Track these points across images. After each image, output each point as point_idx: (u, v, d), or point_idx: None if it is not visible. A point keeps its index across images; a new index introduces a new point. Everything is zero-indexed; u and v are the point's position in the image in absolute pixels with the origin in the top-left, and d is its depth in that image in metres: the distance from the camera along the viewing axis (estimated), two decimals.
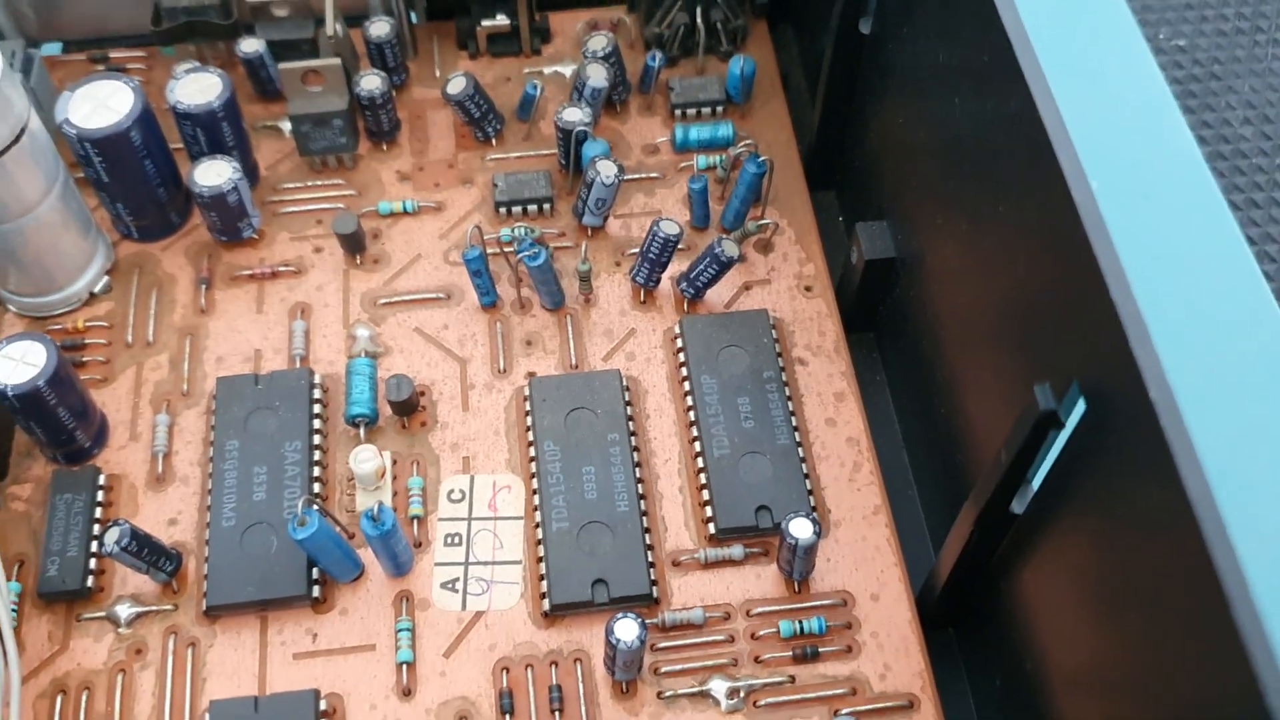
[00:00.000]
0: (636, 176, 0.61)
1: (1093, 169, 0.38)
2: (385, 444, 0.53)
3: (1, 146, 0.49)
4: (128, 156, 0.54)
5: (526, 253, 0.54)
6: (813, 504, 0.50)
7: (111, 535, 0.46)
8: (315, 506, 0.46)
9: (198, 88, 0.56)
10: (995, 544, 0.45)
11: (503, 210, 0.59)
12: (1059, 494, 0.40)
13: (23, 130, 0.50)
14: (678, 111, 0.62)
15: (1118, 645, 0.39)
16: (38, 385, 0.48)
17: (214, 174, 0.55)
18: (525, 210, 0.59)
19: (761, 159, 0.56)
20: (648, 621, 0.46)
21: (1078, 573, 0.40)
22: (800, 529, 0.47)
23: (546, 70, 0.65)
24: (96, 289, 0.56)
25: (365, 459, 0.50)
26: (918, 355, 0.54)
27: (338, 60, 0.58)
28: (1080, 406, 0.38)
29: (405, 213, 0.59)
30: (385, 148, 0.62)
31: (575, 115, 0.58)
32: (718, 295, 0.57)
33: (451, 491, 0.52)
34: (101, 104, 0.53)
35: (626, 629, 0.45)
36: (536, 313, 0.57)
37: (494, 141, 0.62)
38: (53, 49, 0.66)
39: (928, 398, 0.53)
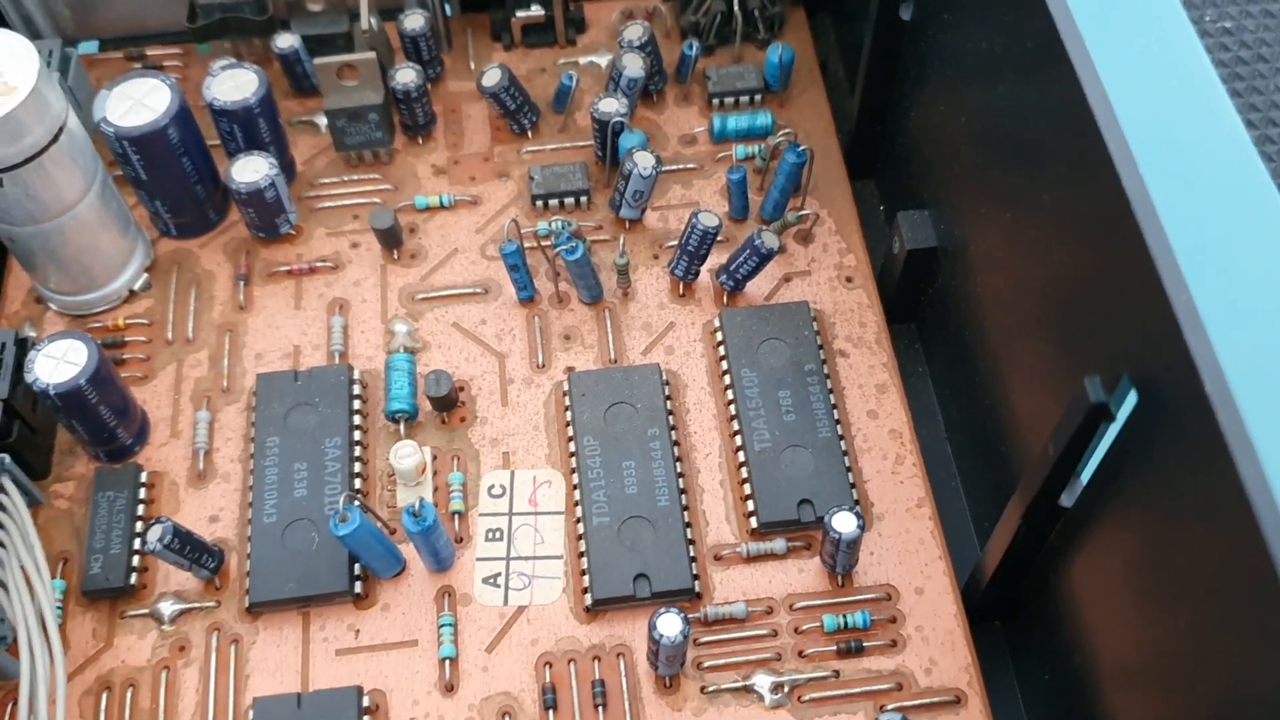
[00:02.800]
0: (674, 168, 0.60)
1: (1141, 155, 0.37)
2: (425, 439, 0.53)
3: (40, 147, 0.49)
4: (165, 154, 0.54)
5: (564, 247, 0.54)
6: (855, 497, 0.50)
7: (154, 533, 0.47)
8: (356, 503, 0.46)
9: (234, 84, 0.56)
10: (1043, 538, 0.45)
11: (539, 204, 0.59)
12: (1109, 487, 0.40)
13: (61, 129, 0.50)
14: (715, 101, 0.62)
15: (1169, 639, 0.38)
16: (79, 384, 0.48)
17: (251, 170, 0.55)
18: (562, 203, 0.59)
19: (801, 148, 0.55)
20: (690, 616, 0.46)
21: (1128, 566, 0.40)
22: (844, 523, 0.46)
23: (582, 61, 0.64)
24: (136, 286, 0.57)
25: (405, 454, 0.50)
26: (961, 346, 0.53)
27: (373, 54, 0.57)
28: (1131, 399, 0.37)
29: (442, 207, 0.59)
30: (420, 141, 0.61)
31: (612, 106, 0.57)
32: (757, 287, 0.56)
33: (492, 487, 0.52)
34: (139, 102, 0.53)
35: (669, 624, 0.44)
36: (574, 307, 0.56)
37: (529, 134, 0.62)
38: (89, 47, 0.66)
39: (972, 389, 0.52)
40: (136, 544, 0.50)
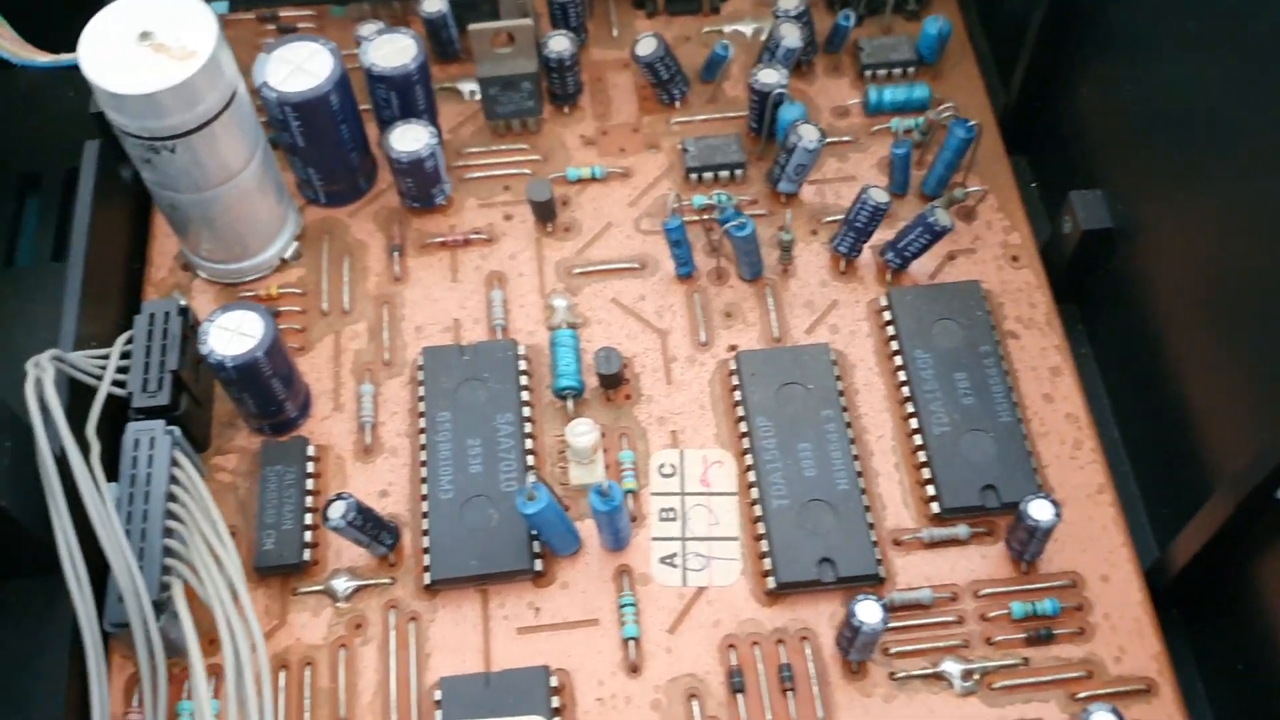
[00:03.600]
0: (828, 141, 0.59)
1: None
2: (591, 417, 0.51)
3: (213, 113, 0.48)
4: (326, 121, 0.53)
5: (733, 222, 0.52)
6: (1039, 483, 0.49)
7: (337, 509, 0.46)
8: (543, 481, 0.45)
9: (391, 49, 0.55)
10: (1249, 530, 0.44)
11: (693, 176, 0.58)
12: None
13: (233, 96, 0.49)
14: (867, 73, 0.61)
15: None
16: (256, 356, 0.47)
17: (411, 139, 0.54)
18: (716, 176, 0.58)
19: (971, 123, 0.54)
20: None
21: None
22: (1041, 510, 0.45)
23: (726, 29, 0.63)
24: (287, 255, 0.56)
25: (582, 432, 0.49)
26: (1139, 331, 0.52)
27: (530, 21, 0.56)
28: None
29: (594, 179, 0.58)
30: (567, 111, 0.60)
31: (772, 77, 0.56)
32: (920, 266, 0.55)
33: (662, 466, 0.51)
34: (299, 67, 0.52)
35: (870, 611, 0.44)
36: (734, 283, 0.55)
37: (678, 104, 0.60)
38: (219, 8, 0.65)
39: (1148, 375, 0.51)
40: (308, 519, 0.49)
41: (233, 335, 0.48)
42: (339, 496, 0.46)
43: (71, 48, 0.58)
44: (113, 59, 0.46)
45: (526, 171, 0.58)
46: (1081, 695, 0.46)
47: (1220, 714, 0.48)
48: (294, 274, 0.56)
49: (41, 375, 0.45)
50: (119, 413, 0.48)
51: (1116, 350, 0.55)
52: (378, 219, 0.57)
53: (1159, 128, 0.50)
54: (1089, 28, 0.54)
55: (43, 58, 0.57)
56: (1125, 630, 0.47)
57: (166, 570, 0.44)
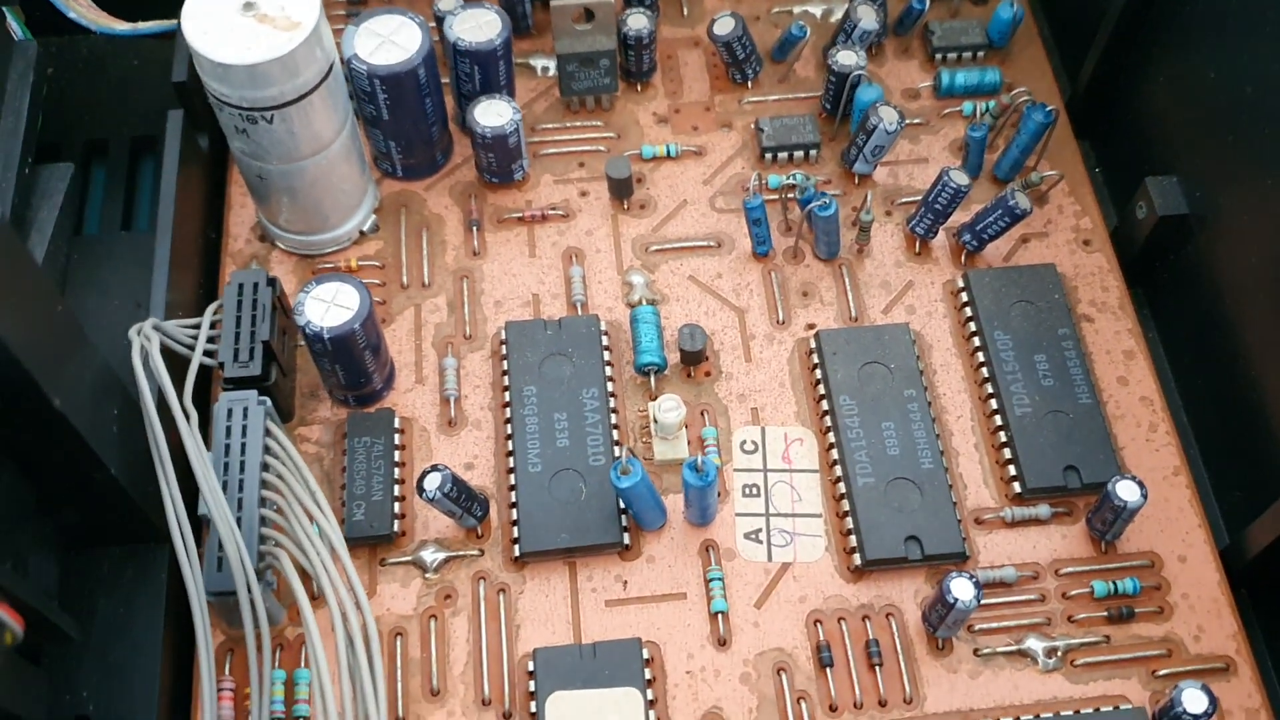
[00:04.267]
0: None
1: None
2: (672, 392, 0.52)
3: (311, 85, 0.48)
4: (411, 94, 0.53)
5: (817, 202, 0.53)
6: (1118, 464, 0.50)
7: (433, 481, 0.46)
8: (637, 456, 0.46)
9: (475, 24, 0.55)
10: None
11: (768, 156, 0.58)
12: None
13: (331, 68, 0.49)
14: (937, 56, 0.61)
15: None
16: (353, 328, 0.48)
17: (494, 114, 0.54)
18: (791, 156, 0.58)
19: (1050, 108, 0.55)
20: None
21: None
22: (1128, 491, 0.46)
23: (795, 10, 0.63)
24: (365, 228, 0.56)
25: (669, 408, 0.50)
26: (1210, 316, 0.53)
27: None
28: None
29: (668, 157, 0.58)
30: (640, 89, 0.60)
31: (850, 59, 0.56)
32: (993, 249, 0.56)
33: (744, 443, 0.51)
34: (387, 40, 0.52)
35: (963, 589, 0.44)
36: (810, 263, 0.56)
37: (750, 84, 0.61)
38: None
39: (1221, 360, 0.52)
40: (396, 490, 0.49)
41: (329, 306, 0.48)
42: (434, 468, 0.46)
43: (143, 16, 0.58)
44: (217, 29, 0.46)
45: (601, 149, 0.59)
46: (1162, 673, 0.47)
47: None
48: (372, 247, 0.56)
49: (146, 344, 0.45)
50: (199, 383, 0.48)
51: (1185, 335, 0.55)
52: (453, 193, 0.57)
53: (1236, 114, 0.51)
54: (1168, 15, 0.54)
55: (120, 25, 0.57)
56: (1203, 610, 0.48)
57: (264, 539, 0.45)
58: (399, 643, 0.47)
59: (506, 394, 0.51)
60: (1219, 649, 0.47)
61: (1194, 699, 0.43)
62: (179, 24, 0.47)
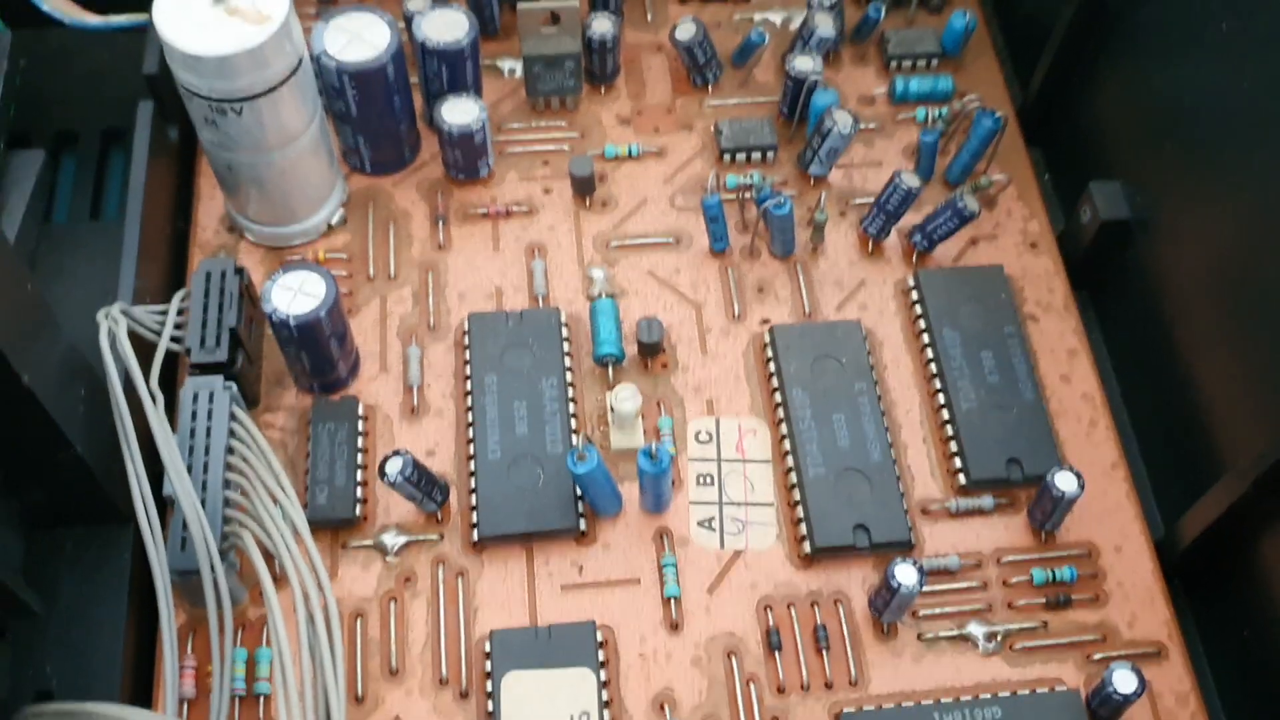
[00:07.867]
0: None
1: None
2: (630, 383, 0.53)
3: (282, 77, 0.49)
4: (380, 91, 0.54)
5: (772, 201, 0.55)
6: (1059, 457, 0.52)
7: (394, 465, 0.47)
8: (593, 443, 0.47)
9: (443, 24, 0.56)
10: (1254, 510, 0.47)
11: (727, 157, 0.60)
12: None
13: (300, 62, 0.50)
14: (892, 63, 0.63)
15: None
16: (319, 316, 0.49)
17: (461, 112, 0.56)
18: (749, 157, 0.60)
19: (999, 114, 0.57)
20: None
21: None
22: (1066, 482, 0.48)
23: (756, 17, 0.65)
24: (333, 221, 0.57)
25: (626, 398, 0.51)
26: (1151, 318, 0.55)
27: (576, 2, 0.58)
28: None
29: (630, 157, 0.60)
30: (604, 91, 0.62)
31: (807, 65, 0.58)
32: (944, 250, 0.58)
33: (699, 433, 0.53)
34: (356, 36, 0.54)
35: (907, 574, 0.46)
36: (766, 260, 0.57)
37: (710, 87, 0.62)
38: None
39: (1160, 361, 0.54)
40: (359, 475, 0.50)
41: (295, 294, 0.49)
42: (396, 453, 0.48)
43: (115, 10, 0.59)
44: (187, 20, 0.47)
45: (565, 148, 0.60)
46: (1097, 657, 0.48)
47: (1221, 677, 0.51)
48: (340, 239, 0.57)
49: (114, 327, 0.46)
50: (166, 369, 0.49)
51: (1127, 335, 0.57)
52: (420, 189, 0.59)
53: (1177, 123, 0.53)
54: (1117, 26, 0.56)
55: (92, 19, 0.58)
56: (1137, 598, 0.50)
57: (227, 520, 0.46)
58: (359, 624, 0.48)
59: (468, 383, 0.53)
60: (1152, 635, 0.49)
61: (1124, 679, 0.45)
62: (150, 17, 0.48)
